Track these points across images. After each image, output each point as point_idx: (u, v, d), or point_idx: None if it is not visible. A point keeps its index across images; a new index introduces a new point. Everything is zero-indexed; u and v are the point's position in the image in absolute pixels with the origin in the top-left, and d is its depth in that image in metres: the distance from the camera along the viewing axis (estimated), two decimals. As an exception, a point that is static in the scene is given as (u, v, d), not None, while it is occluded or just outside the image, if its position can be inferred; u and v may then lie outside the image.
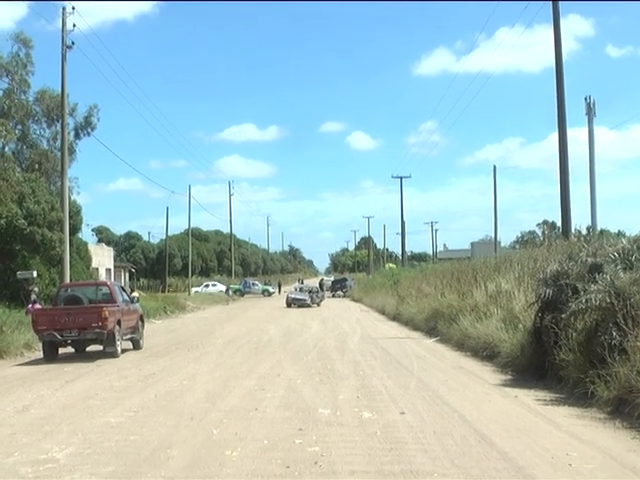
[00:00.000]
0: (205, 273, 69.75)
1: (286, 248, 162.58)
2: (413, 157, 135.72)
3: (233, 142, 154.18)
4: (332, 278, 73.43)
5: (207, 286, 56.20)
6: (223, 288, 55.43)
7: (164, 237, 58.92)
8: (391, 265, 77.22)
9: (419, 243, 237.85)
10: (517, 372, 10.30)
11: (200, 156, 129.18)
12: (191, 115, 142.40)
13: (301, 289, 41.60)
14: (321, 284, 58.15)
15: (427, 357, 13.17)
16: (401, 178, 58.43)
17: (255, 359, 13.25)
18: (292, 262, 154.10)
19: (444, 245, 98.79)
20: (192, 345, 16.36)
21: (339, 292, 54.70)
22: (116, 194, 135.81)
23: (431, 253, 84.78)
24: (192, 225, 61.07)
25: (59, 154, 26.32)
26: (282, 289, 64.76)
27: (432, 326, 17.64)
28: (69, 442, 6.46)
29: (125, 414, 7.81)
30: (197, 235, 72.21)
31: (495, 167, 47.34)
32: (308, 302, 37.87)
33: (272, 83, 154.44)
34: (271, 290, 58.73)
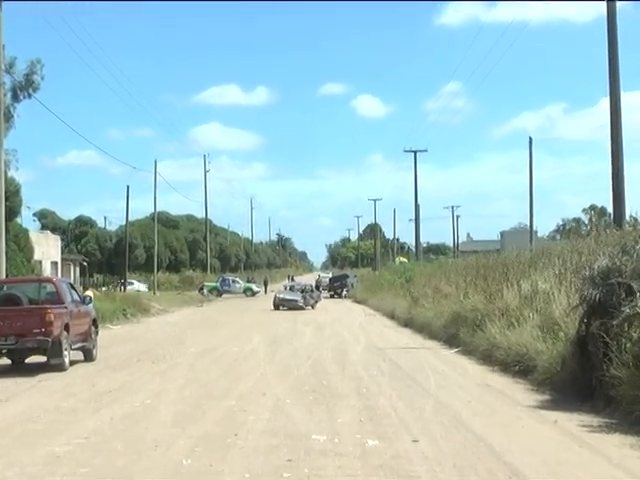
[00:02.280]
0: (174, 267, 69.77)
1: (274, 237, 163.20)
2: (431, 126, 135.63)
3: (211, 107, 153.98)
4: (330, 275, 73.56)
5: (132, 284, 54.13)
6: (142, 288, 54.21)
7: (124, 223, 58.83)
8: (403, 259, 77.26)
9: (437, 232, 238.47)
10: (557, 391, 10.31)
11: (170, 124, 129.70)
12: (160, 75, 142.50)
13: (292, 288, 41.68)
14: (317, 282, 58.49)
15: (446, 372, 13.19)
16: (415, 152, 58.48)
17: (235, 374, 13.25)
18: (281, 254, 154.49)
19: (468, 235, 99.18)
20: (157, 356, 16.35)
21: (339, 291, 54.80)
22: (65, 170, 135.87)
23: (452, 244, 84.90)
24: (159, 208, 61.20)
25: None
26: (269, 288, 64.90)
27: (452, 334, 17.68)
28: (2, 478, 6.41)
29: (74, 441, 7.78)
30: (165, 221, 72.23)
31: (531, 139, 47.29)
32: (300, 304, 37.94)
33: (259, 35, 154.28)
34: (255, 289, 58.86)
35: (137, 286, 55.00)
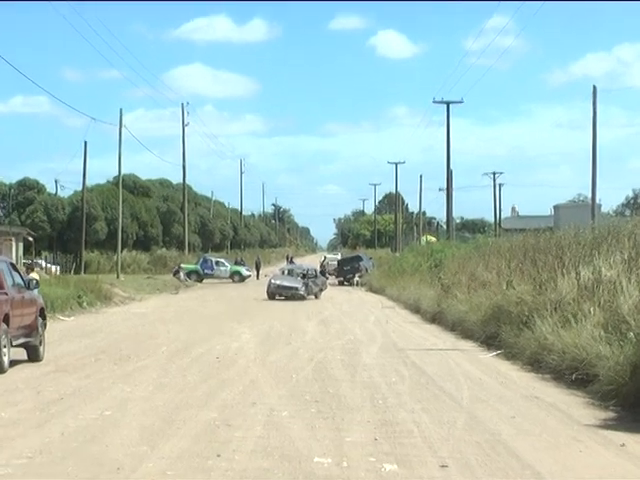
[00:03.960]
0: (143, 245, 69.84)
1: (269, 209, 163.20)
2: (469, 72, 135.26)
3: (195, 44, 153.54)
4: (339, 256, 73.61)
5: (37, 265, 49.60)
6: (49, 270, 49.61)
7: (80, 189, 58.82)
8: (431, 238, 77.30)
9: (474, 205, 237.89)
10: (624, 406, 10.31)
11: (141, 65, 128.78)
12: (128, 2, 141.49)
13: (291, 272, 41.65)
14: (322, 265, 58.42)
15: (484, 380, 13.20)
16: (448, 104, 58.03)
17: (218, 378, 13.28)
18: (278, 230, 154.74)
19: (513, 209, 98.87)
20: (121, 356, 16.39)
21: (349, 278, 54.83)
22: (7, 120, 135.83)
23: (492, 220, 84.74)
24: (125, 171, 60.92)
25: None
26: (262, 271, 64.97)
27: (492, 332, 17.73)
28: None
29: (14, 462, 7.79)
30: (132, 187, 72.13)
31: (596, 88, 46.94)
32: (301, 292, 37.98)
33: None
34: (245, 272, 58.93)
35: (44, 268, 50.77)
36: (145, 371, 14.20)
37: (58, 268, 52.40)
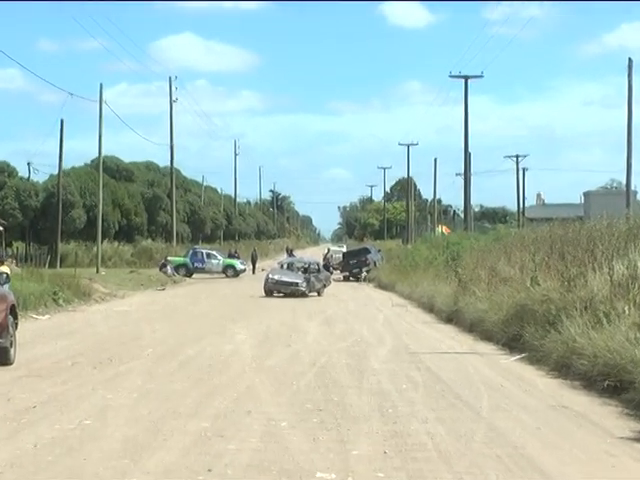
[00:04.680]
0: (127, 235, 69.84)
1: (267, 196, 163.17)
2: (491, 43, 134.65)
3: (184, 11, 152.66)
4: (344, 248, 73.65)
5: None
6: None
7: (56, 172, 58.77)
8: (446, 229, 77.20)
9: (495, 192, 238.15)
10: (662, 417, 10.30)
11: (124, 34, 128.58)
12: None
13: (291, 266, 41.74)
14: (326, 258, 58.40)
15: (505, 387, 13.22)
16: (467, 79, 58.13)
17: (209, 384, 13.31)
18: (277, 219, 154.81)
19: (538, 196, 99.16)
20: (102, 359, 16.39)
21: (356, 272, 54.89)
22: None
23: (515, 209, 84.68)
24: (106, 152, 61.01)
25: None
26: (258, 265, 64.99)
27: (514, 334, 17.75)
28: None
29: (-18, 475, 7.79)
30: (114, 170, 72.14)
31: (631, 61, 46.83)
32: (302, 288, 38.01)
33: None
34: (239, 266, 59.04)
35: None
36: (128, 376, 14.20)
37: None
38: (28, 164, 70.65)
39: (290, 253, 67.21)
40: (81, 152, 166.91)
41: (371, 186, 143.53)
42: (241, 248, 78.12)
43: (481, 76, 59.34)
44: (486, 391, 12.68)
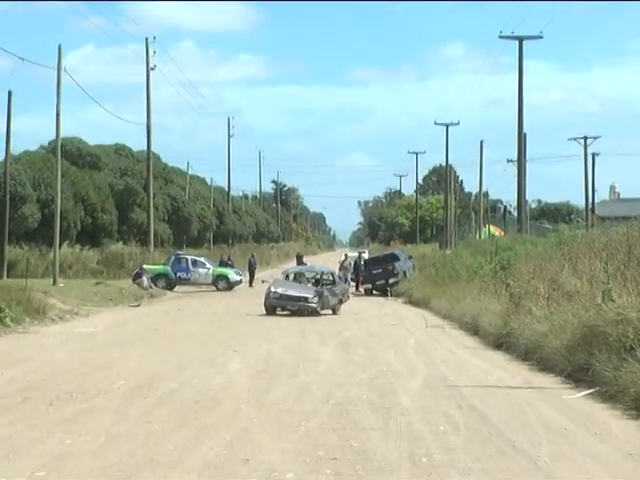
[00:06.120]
0: (92, 237, 69.91)
1: (269, 188, 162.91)
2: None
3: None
4: (366, 254, 73.60)
5: None
6: None
7: (2, 158, 58.82)
8: (495, 229, 77.10)
9: (557, 183, 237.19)
10: None
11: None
12: None
13: (298, 277, 41.44)
14: (343, 267, 58.16)
15: (570, 430, 13.18)
16: (521, 40, 57.99)
17: (196, 425, 13.30)
18: (281, 218, 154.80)
19: (612, 188, 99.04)
20: (60, 393, 16.38)
21: (380, 284, 54.80)
22: None
23: (583, 205, 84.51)
24: (68, 133, 60.94)
25: None
26: (257, 276, 64.80)
27: (581, 363, 17.71)
28: None
29: None
30: (76, 155, 72.23)
31: None
32: (313, 304, 37.84)
33: None
34: (233, 277, 58.87)
35: None
36: (93, 415, 14.20)
37: None
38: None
39: (300, 260, 66.98)
40: (35, 133, 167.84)
41: (400, 176, 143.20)
42: (236, 254, 78.02)
43: (539, 36, 59.22)
44: (545, 435, 12.64)
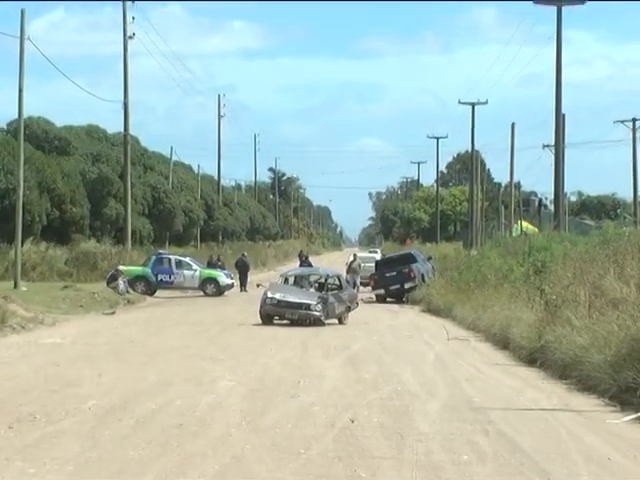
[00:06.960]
0: (59, 233, 70.02)
1: (265, 177, 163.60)
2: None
3: None
4: (378, 254, 73.71)
5: None
6: None
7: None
8: (529, 226, 77.13)
9: (601, 173, 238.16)
10: None
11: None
12: None
13: (299, 280, 41.49)
14: (350, 268, 58.20)
15: (614, 461, 13.23)
16: (559, 5, 57.95)
17: (179, 452, 13.36)
18: (280, 212, 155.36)
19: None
20: (21, 415, 16.46)
21: (394, 289, 54.82)
22: None
23: (631, 198, 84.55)
24: (30, 112, 61.09)
25: None
26: (250, 278, 64.89)
27: (628, 382, 17.82)
28: None
29: None
30: (42, 138, 72.49)
31: None
32: (316, 312, 37.88)
33: None
34: (224, 280, 59.03)
35: None
36: (60, 440, 14.26)
37: None
38: None
39: (304, 260, 66.89)
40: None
41: (418, 163, 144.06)
42: (227, 253, 78.30)
43: (581, 2, 59.19)
44: (586, 465, 12.72)
